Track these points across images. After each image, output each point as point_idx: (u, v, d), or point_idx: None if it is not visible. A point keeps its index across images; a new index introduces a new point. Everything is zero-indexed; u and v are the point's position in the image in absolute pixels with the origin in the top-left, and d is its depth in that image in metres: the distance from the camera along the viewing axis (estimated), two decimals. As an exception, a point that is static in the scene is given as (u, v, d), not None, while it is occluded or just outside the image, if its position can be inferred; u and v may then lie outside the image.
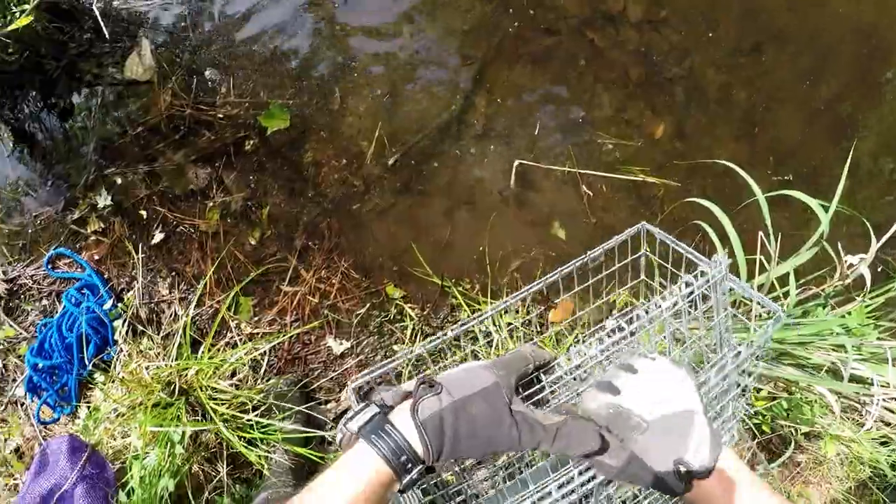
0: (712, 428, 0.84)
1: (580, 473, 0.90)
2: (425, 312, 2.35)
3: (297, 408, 2.06)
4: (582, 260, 1.22)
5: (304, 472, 2.04)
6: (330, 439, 2.16)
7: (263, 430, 2.02)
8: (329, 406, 2.23)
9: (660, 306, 1.01)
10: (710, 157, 2.45)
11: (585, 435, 0.83)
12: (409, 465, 0.79)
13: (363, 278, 2.35)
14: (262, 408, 2.06)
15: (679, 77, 2.59)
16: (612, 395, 0.87)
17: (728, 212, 1.97)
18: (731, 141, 2.55)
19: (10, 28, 2.03)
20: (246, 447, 1.96)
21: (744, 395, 1.21)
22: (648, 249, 1.23)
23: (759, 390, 2.01)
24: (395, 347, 2.33)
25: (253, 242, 2.33)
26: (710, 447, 0.82)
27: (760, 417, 2.04)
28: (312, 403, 2.21)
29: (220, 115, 2.38)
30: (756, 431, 2.03)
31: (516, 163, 2.40)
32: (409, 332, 2.32)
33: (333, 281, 2.33)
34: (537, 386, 0.98)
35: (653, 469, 0.82)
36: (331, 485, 0.79)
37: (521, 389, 0.96)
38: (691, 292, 1.04)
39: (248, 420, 2.02)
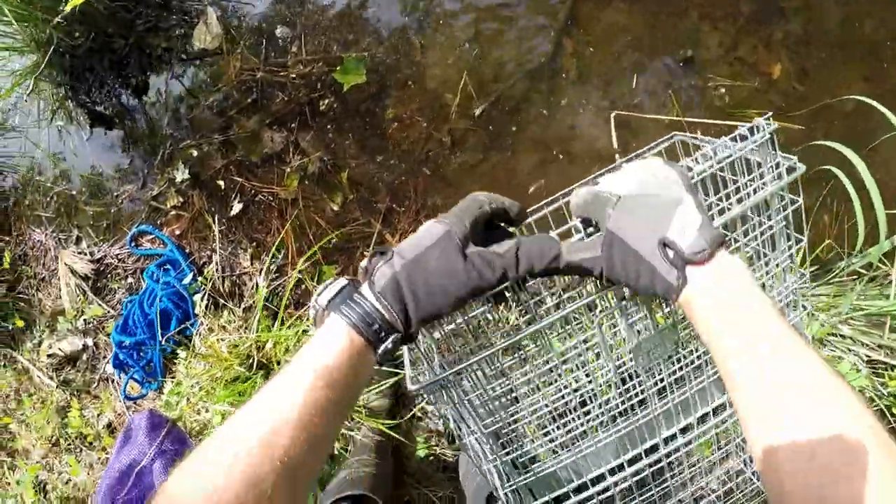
0: (706, 217, 0.74)
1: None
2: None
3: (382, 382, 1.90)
4: (609, 169, 1.04)
5: (389, 449, 1.88)
6: (420, 414, 1.98)
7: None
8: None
9: (691, 169, 0.89)
10: (835, 98, 2.10)
11: (543, 243, 0.80)
12: (383, 334, 0.77)
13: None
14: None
15: (795, 10, 2.23)
16: (591, 186, 0.84)
17: (862, 156, 1.68)
18: (859, 81, 2.16)
19: (67, 9, 1.98)
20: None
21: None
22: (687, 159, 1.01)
23: (893, 367, 1.69)
24: (490, 316, 2.12)
25: (335, 208, 2.19)
26: (699, 231, 0.73)
27: (893, 399, 1.71)
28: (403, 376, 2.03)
29: (293, 75, 2.26)
30: (887, 413, 1.69)
31: (613, 114, 2.15)
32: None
33: (422, 245, 2.14)
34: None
35: (636, 250, 0.75)
36: (301, 359, 0.75)
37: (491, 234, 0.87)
38: (728, 156, 0.91)
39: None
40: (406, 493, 1.90)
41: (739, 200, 0.92)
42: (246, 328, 2.00)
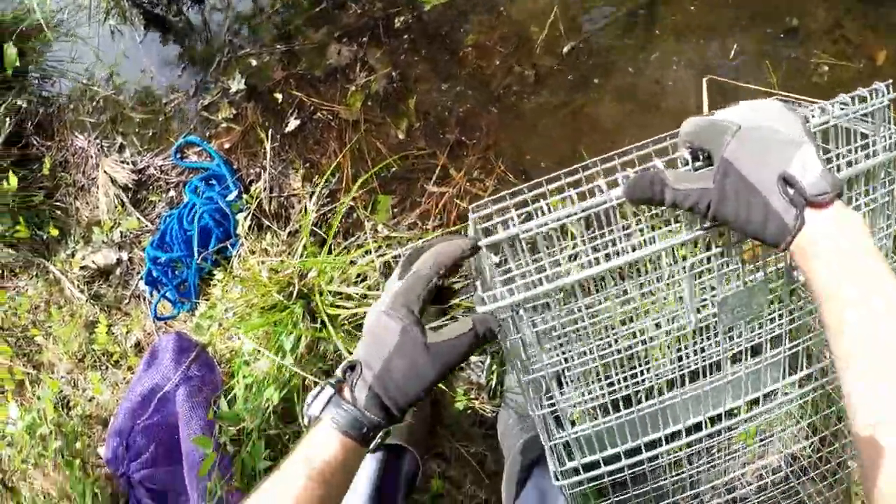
0: (825, 166, 0.71)
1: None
2: (590, 232, 1.92)
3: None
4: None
5: (429, 398, 1.70)
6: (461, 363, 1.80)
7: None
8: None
9: (808, 120, 0.80)
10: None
11: (488, 318, 0.86)
12: (371, 433, 0.84)
13: (522, 184, 1.94)
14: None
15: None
16: (706, 115, 0.83)
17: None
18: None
19: None
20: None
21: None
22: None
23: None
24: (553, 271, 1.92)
25: (400, 135, 1.99)
26: (821, 174, 0.70)
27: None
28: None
29: (369, -15, 2.06)
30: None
31: (707, 78, 1.91)
32: (568, 251, 1.90)
33: (487, 184, 1.95)
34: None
35: (752, 183, 0.72)
36: (296, 462, 0.82)
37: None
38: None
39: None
40: (438, 444, 1.74)
41: (838, 169, 0.85)
42: (289, 254, 1.82)
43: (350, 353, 1.63)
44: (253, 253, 1.83)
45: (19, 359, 2.20)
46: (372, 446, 0.85)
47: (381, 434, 0.85)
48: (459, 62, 2.03)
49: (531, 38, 2.02)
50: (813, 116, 0.84)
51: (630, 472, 1.16)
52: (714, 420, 1.17)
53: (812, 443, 1.41)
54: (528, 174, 1.96)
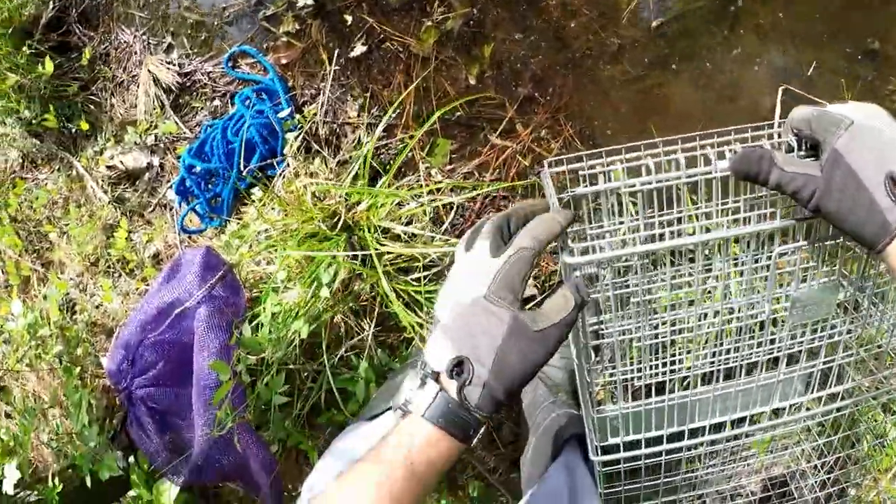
0: None
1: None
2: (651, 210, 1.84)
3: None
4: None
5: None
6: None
7: (429, 295, 1.58)
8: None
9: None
10: None
11: (580, 283, 0.82)
12: (474, 431, 0.80)
13: (587, 150, 1.84)
14: (435, 269, 1.64)
15: None
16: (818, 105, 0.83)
17: None
18: None
19: None
20: (404, 310, 1.52)
21: None
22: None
23: None
24: (609, 240, 1.81)
25: (471, 80, 1.87)
26: None
27: None
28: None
29: (460, -82, 1.91)
30: None
31: (783, 87, 1.86)
32: (623, 228, 1.79)
33: (553, 146, 1.84)
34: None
35: (860, 178, 0.73)
36: (398, 455, 0.78)
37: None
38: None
39: (416, 278, 1.58)
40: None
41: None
42: (337, 183, 1.70)
43: (388, 297, 1.52)
44: (297, 176, 1.70)
45: (28, 254, 2.08)
46: (473, 442, 0.82)
47: (482, 431, 0.81)
48: (542, 17, 1.91)
49: (619, 6, 1.91)
50: None
51: (667, 457, 1.14)
52: (755, 418, 1.18)
53: (825, 462, 1.40)
54: (595, 141, 1.87)
